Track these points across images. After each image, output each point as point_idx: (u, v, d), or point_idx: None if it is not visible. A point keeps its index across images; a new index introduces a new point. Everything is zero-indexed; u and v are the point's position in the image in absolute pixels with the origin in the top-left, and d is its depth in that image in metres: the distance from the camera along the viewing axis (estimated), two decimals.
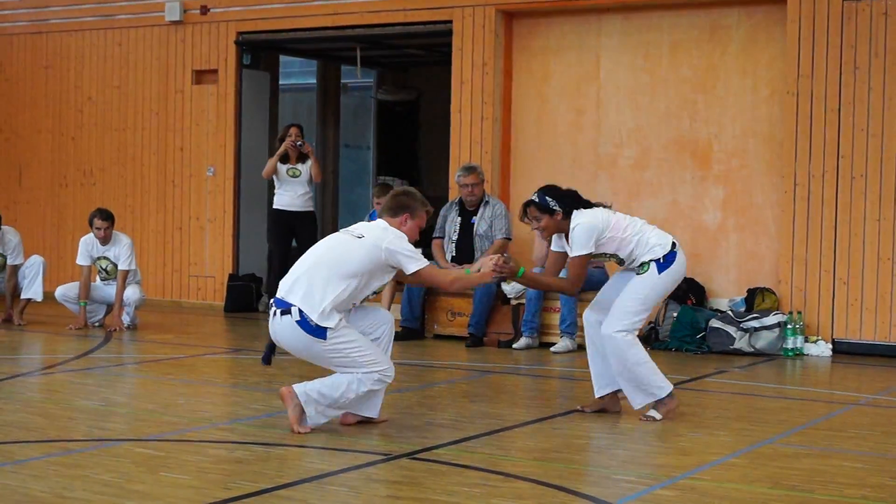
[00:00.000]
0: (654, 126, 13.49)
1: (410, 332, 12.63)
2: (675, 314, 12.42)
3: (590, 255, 7.97)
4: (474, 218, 12.87)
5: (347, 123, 20.05)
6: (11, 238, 13.31)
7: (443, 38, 14.66)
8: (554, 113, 14.01)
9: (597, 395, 8.28)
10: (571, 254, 7.98)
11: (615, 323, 7.95)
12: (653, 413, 8.10)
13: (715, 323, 12.22)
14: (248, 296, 15.19)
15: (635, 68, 13.61)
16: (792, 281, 12.52)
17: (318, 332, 7.13)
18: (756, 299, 12.58)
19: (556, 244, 8.23)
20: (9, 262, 13.27)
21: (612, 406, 8.26)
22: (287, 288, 7.29)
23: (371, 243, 7.31)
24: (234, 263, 15.61)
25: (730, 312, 12.37)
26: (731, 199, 13.15)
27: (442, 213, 13.08)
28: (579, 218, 8.00)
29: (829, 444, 7.59)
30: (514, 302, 12.40)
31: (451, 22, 14.27)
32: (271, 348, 7.55)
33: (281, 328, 7.25)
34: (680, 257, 8.11)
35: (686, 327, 12.28)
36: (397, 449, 6.95)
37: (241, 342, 12.82)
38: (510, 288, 12.28)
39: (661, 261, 8.01)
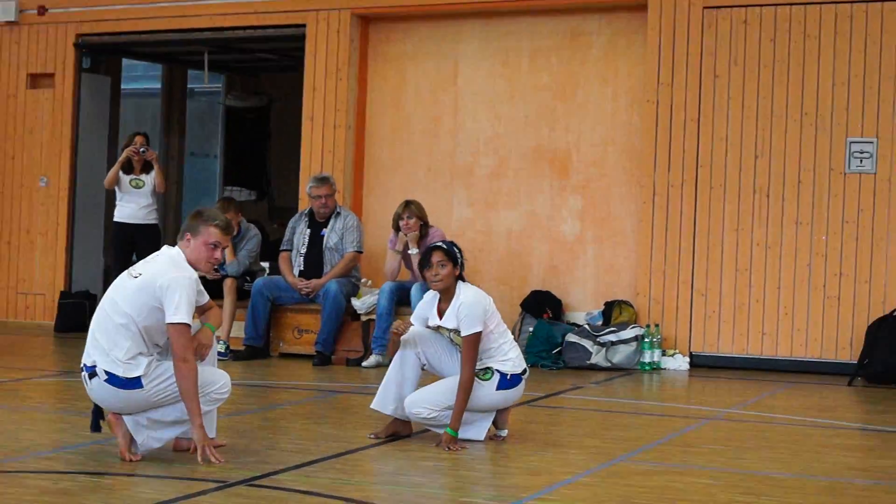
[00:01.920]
0: (512, 134, 13.60)
1: (254, 350, 12.46)
2: (530, 329, 12.52)
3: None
4: (324, 230, 12.67)
5: (194, 131, 19.83)
6: None
7: (295, 43, 14.63)
8: (410, 121, 14.04)
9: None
10: (463, 331, 7.85)
11: (422, 410, 7.88)
12: (501, 432, 8.11)
13: (571, 337, 12.33)
14: (81, 314, 14.82)
15: (494, 75, 13.70)
16: (650, 293, 12.71)
17: (131, 384, 6.93)
18: (613, 312, 12.74)
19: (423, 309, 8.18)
20: None
21: (403, 429, 8.19)
22: (87, 348, 7.09)
23: (144, 282, 7.07)
24: (66, 280, 15.31)
25: (587, 326, 12.51)
26: (590, 209, 13.30)
27: (290, 224, 12.95)
28: (468, 292, 7.94)
29: (682, 461, 7.68)
30: (364, 318, 12.33)
31: (304, 26, 14.23)
32: (97, 412, 7.33)
33: (97, 392, 7.05)
34: (522, 387, 8.10)
35: (542, 342, 12.37)
36: (235, 475, 6.83)
37: (71, 364, 12.49)
38: (360, 303, 12.24)
39: (508, 378, 8.00)
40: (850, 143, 12.15)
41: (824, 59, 12.24)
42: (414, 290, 11.41)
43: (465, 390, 7.79)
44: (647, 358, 12.28)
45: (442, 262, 7.92)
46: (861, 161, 12.12)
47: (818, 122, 12.21)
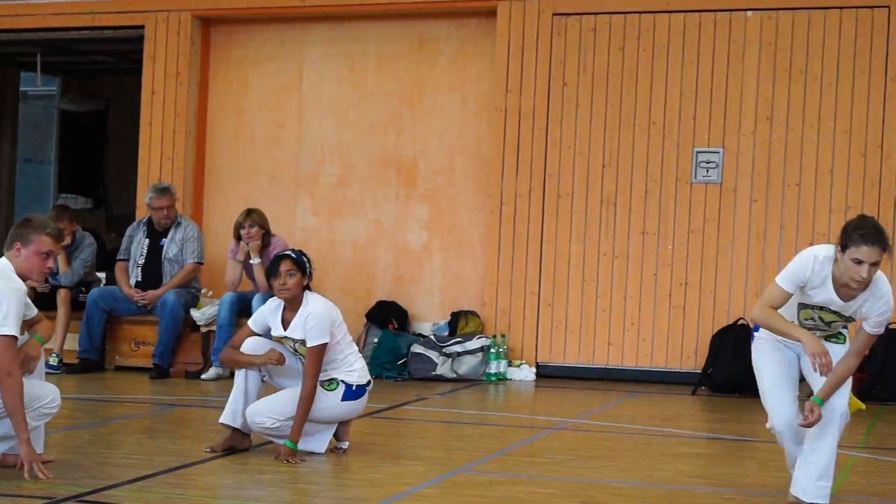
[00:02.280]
0: (358, 141, 13.59)
1: (89, 363, 12.21)
2: (375, 340, 12.53)
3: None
4: (164, 240, 12.47)
5: (27, 135, 19.33)
6: None
7: (134, 45, 14.41)
8: (252, 127, 13.94)
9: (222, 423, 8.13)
10: (309, 342, 7.82)
11: (266, 420, 7.87)
12: (342, 444, 8.12)
13: (417, 348, 12.39)
14: None
15: (340, 80, 13.67)
16: (497, 304, 12.81)
17: None
18: (460, 323, 12.82)
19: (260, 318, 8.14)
20: None
21: (241, 443, 8.15)
22: None
23: None
24: None
25: (432, 337, 12.57)
26: (437, 218, 13.36)
27: (128, 233, 12.74)
28: (316, 302, 7.94)
29: (524, 471, 7.77)
30: (203, 329, 12.22)
31: (142, 27, 14.01)
32: None
33: None
34: (366, 399, 8.14)
35: (387, 353, 12.40)
36: (63, 492, 6.70)
37: None
38: (199, 314, 12.13)
39: (353, 389, 8.02)
40: (697, 153, 12.39)
41: (672, 69, 12.46)
42: (255, 300, 11.33)
43: (306, 402, 7.78)
44: (493, 369, 12.37)
45: (290, 272, 7.91)
46: (707, 171, 12.37)
47: (665, 131, 12.43)
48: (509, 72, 12.80)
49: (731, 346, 11.87)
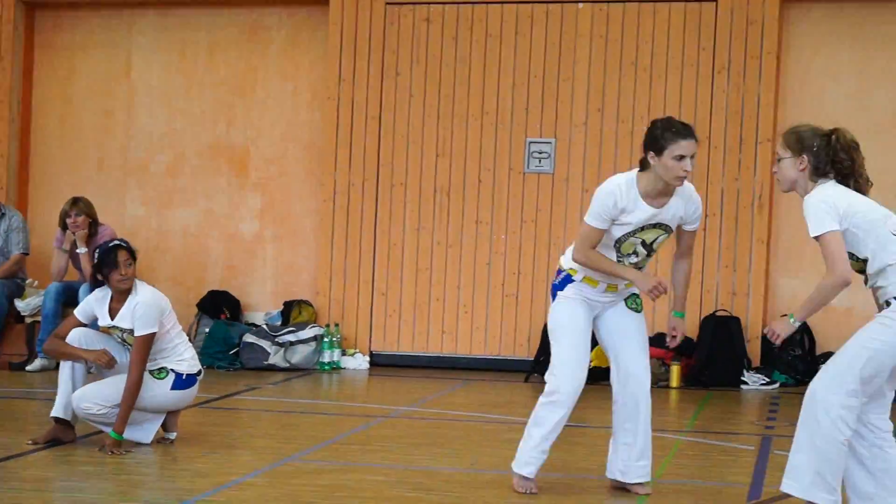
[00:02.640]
0: (188, 130, 13.46)
1: None
2: (207, 330, 12.45)
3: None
4: None
5: None
6: None
7: None
8: (79, 115, 13.70)
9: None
10: (137, 331, 7.70)
11: (92, 406, 7.74)
12: (170, 435, 8.04)
13: (249, 338, 12.35)
14: None
15: (170, 68, 13.52)
16: (330, 293, 12.81)
17: None
18: (293, 312, 12.81)
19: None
20: None
21: (65, 435, 8.04)
22: None
23: None
24: None
25: (265, 327, 12.55)
26: (269, 208, 13.31)
27: None
28: (145, 291, 7.86)
29: (354, 459, 7.79)
30: (28, 320, 11.99)
31: None
32: None
33: None
34: (196, 388, 8.13)
35: (219, 343, 12.36)
36: None
37: None
38: (24, 304, 11.90)
39: (184, 378, 7.98)
40: (529, 143, 12.51)
41: (505, 59, 12.56)
42: (82, 290, 11.11)
43: (132, 392, 7.69)
44: (326, 358, 12.38)
45: (129, 262, 7.86)
46: (539, 161, 12.51)
47: (498, 121, 12.54)
48: (342, 61, 12.78)
49: None
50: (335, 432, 8.83)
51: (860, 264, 6.03)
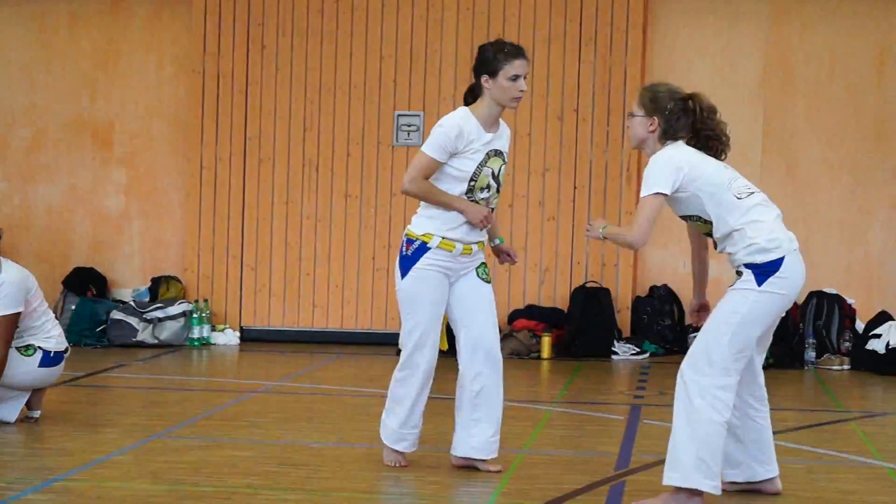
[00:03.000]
0: (50, 104, 13.26)
1: None
2: (73, 307, 12.36)
3: None
4: None
5: None
6: None
7: None
8: None
9: None
10: (2, 311, 7.62)
11: None
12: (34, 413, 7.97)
13: (117, 315, 12.28)
14: None
15: (29, 41, 13.26)
16: (199, 269, 12.77)
17: None
18: (161, 288, 12.76)
19: None
20: None
21: None
22: None
23: None
24: None
25: (132, 303, 12.48)
26: (135, 183, 13.18)
27: None
28: (10, 270, 7.74)
29: (222, 435, 7.79)
30: None
31: None
32: None
33: None
34: (62, 366, 8.05)
35: (85, 320, 12.28)
36: None
37: None
38: None
39: (51, 355, 7.90)
40: (398, 116, 12.54)
41: (372, 32, 12.56)
42: None
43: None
44: (196, 333, 12.36)
45: None
46: (408, 134, 12.54)
47: (366, 95, 12.54)
48: (206, 33, 12.70)
49: None
50: (203, 408, 8.81)
51: (708, 227, 6.05)
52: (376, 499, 6.42)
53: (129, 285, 13.11)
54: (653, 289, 12.45)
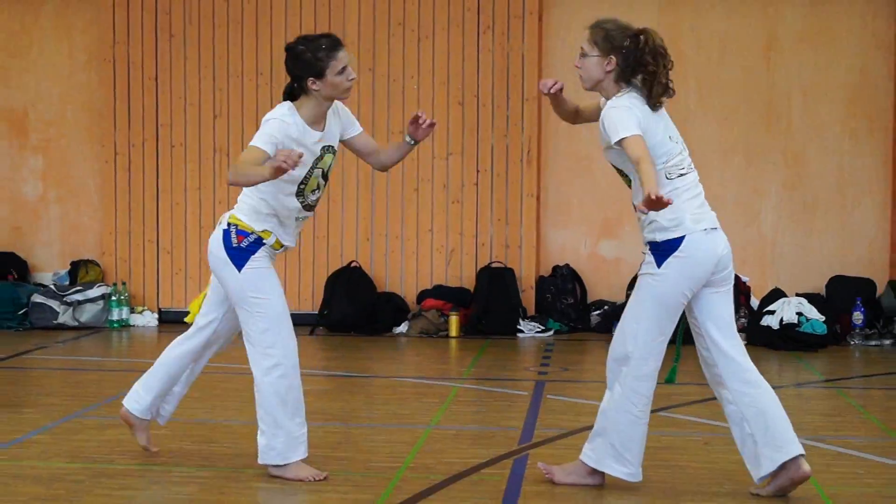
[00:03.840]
0: None
1: None
2: None
3: None
4: None
5: None
6: None
7: None
8: None
9: None
10: None
11: None
12: None
13: (37, 298, 12.39)
14: None
15: None
16: (116, 252, 12.85)
17: None
18: (80, 272, 12.83)
19: None
20: None
21: None
22: None
23: None
24: None
25: (52, 287, 12.57)
26: (52, 169, 13.22)
27: None
28: None
29: None
30: None
31: None
32: None
33: None
34: None
35: (6, 304, 12.37)
36: None
37: None
38: None
39: None
40: None
41: (276, 19, 12.57)
42: None
43: None
44: (115, 315, 12.45)
45: None
46: None
47: (273, 81, 12.49)
48: (115, 22, 12.68)
49: (345, 288, 12.27)
50: (121, 389, 8.72)
51: (626, 180, 5.90)
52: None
53: (48, 269, 13.16)
54: (555, 268, 12.58)
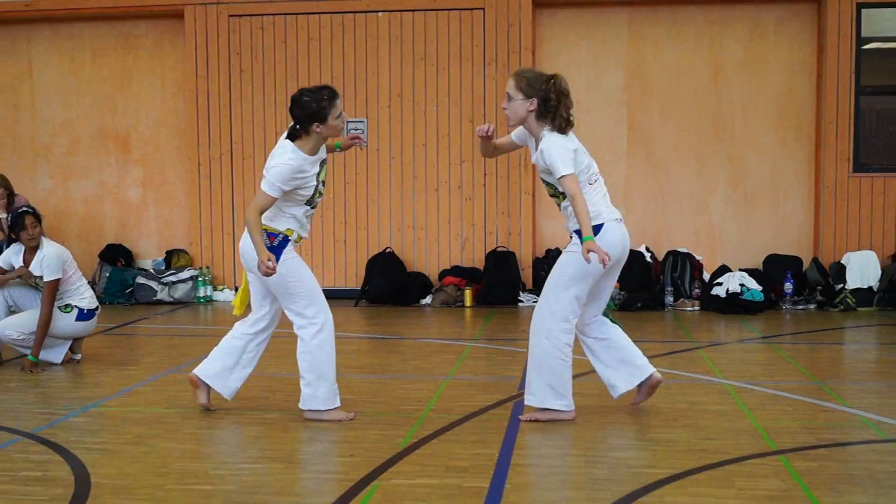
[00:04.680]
0: (82, 118, 13.29)
1: None
2: (107, 274, 12.43)
3: None
4: None
5: None
6: None
7: None
8: None
9: None
10: (46, 277, 7.86)
11: (13, 333, 7.90)
12: (76, 356, 8.10)
13: (140, 280, 12.40)
14: None
15: (63, 70, 13.29)
16: (201, 242, 12.84)
17: None
18: (173, 259, 12.85)
19: None
20: None
21: None
22: None
23: None
24: None
25: (152, 270, 12.58)
26: (150, 178, 13.25)
27: None
28: (50, 247, 7.94)
29: None
30: None
31: None
32: None
33: None
34: (95, 321, 8.21)
35: (117, 284, 12.38)
36: None
37: None
38: None
39: (85, 312, 8.06)
40: (347, 122, 12.47)
41: (324, 57, 12.52)
42: (9, 248, 10.99)
43: (44, 325, 7.78)
44: (201, 292, 12.45)
45: (34, 224, 7.92)
46: (355, 135, 12.56)
47: None
48: (197, 61, 12.68)
49: (382, 268, 12.23)
50: (206, 350, 8.80)
51: (557, 194, 5.92)
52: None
53: (149, 257, 13.19)
54: (548, 251, 12.51)
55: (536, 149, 5.90)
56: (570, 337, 5.99)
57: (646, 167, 12.44)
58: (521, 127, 6.03)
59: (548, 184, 5.98)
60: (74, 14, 13.02)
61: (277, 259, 5.99)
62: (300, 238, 6.20)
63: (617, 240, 5.92)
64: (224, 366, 6.35)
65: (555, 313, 5.97)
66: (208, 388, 6.42)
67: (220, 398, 6.61)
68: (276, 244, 6.06)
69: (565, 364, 6.01)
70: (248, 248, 6.07)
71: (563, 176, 5.66)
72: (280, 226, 6.07)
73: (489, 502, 4.72)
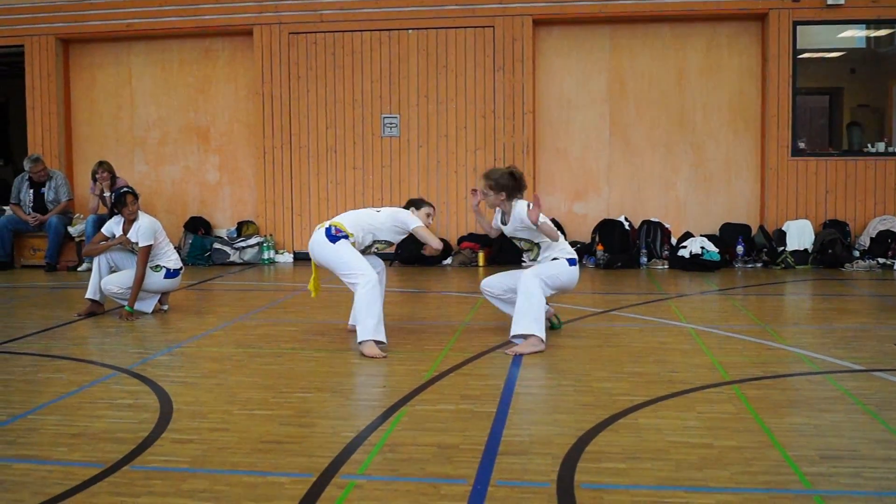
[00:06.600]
0: (171, 116, 13.21)
1: (3, 264, 11.73)
2: (190, 241, 12.38)
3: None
4: (43, 189, 11.97)
5: None
6: None
7: (18, 58, 13.51)
8: (100, 109, 13.35)
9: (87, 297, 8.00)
10: (141, 243, 7.76)
11: (113, 287, 7.84)
12: (164, 307, 8.03)
13: (217, 245, 12.33)
14: None
15: (155, 77, 13.22)
16: (266, 215, 12.77)
17: None
18: (243, 228, 12.77)
19: None
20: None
21: (98, 309, 8.00)
22: None
23: None
24: None
25: (226, 237, 12.53)
26: (225, 164, 13.16)
27: (15, 184, 12.10)
28: (144, 219, 7.84)
29: (279, 317, 7.88)
30: (77, 239, 11.78)
31: (21, 46, 13.16)
32: None
33: None
34: (179, 278, 8.11)
35: (198, 249, 12.32)
36: None
37: None
38: (74, 230, 11.74)
39: (172, 271, 7.97)
40: (384, 117, 12.48)
41: (365, 66, 12.41)
42: (109, 220, 10.94)
43: (138, 282, 7.74)
44: (266, 256, 12.38)
45: (133, 201, 7.86)
46: (391, 129, 12.50)
47: (363, 104, 12.39)
48: (263, 69, 12.61)
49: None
50: (269, 302, 8.90)
51: (533, 247, 6.51)
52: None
53: (223, 226, 13.12)
54: None
55: (510, 217, 6.46)
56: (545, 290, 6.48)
57: (624, 153, 12.31)
58: None
59: (522, 240, 6.48)
60: (165, 32, 12.93)
61: (335, 243, 6.37)
62: (354, 243, 6.51)
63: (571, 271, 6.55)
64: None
65: (543, 283, 6.45)
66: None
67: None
68: (338, 236, 6.42)
69: (542, 302, 6.35)
70: (322, 237, 6.43)
71: (543, 222, 6.22)
72: (355, 232, 6.51)
73: (496, 423, 4.67)
